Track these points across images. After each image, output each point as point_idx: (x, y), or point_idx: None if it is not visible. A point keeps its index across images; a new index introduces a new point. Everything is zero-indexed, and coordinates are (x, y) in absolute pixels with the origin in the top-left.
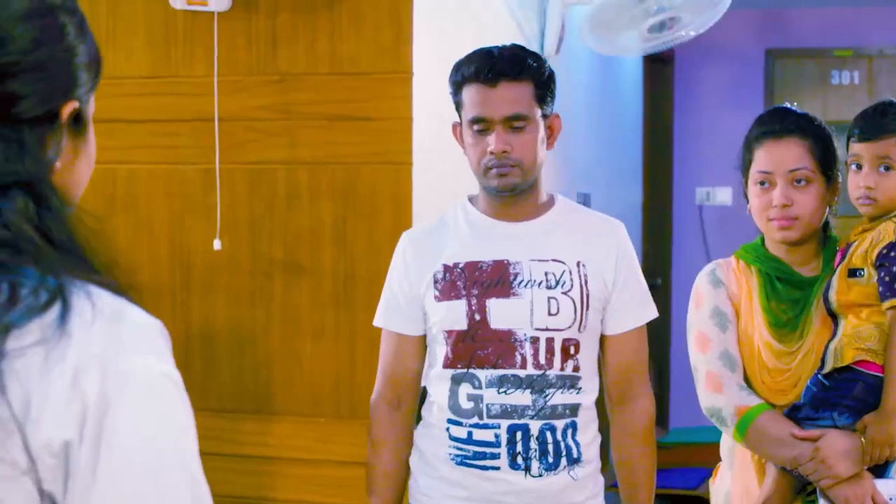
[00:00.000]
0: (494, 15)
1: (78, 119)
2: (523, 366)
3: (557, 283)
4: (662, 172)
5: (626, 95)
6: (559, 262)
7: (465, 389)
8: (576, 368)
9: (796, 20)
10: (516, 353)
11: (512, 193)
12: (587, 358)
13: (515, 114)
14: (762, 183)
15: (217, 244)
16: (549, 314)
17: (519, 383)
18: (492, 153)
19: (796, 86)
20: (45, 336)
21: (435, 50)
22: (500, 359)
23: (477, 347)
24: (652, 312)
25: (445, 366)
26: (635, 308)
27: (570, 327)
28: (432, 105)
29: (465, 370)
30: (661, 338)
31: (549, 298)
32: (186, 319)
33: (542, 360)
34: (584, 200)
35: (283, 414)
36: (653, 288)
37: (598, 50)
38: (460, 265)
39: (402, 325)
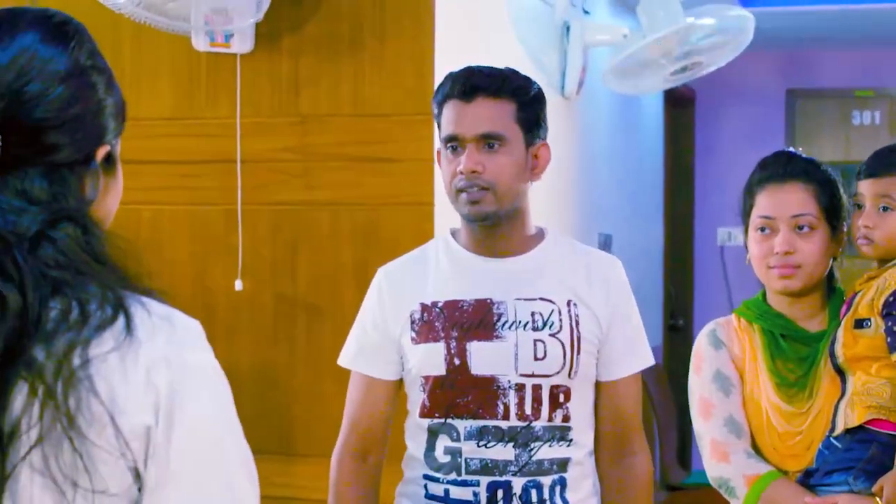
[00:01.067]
0: (516, 57)
1: (109, 159)
2: (506, 416)
3: (545, 324)
4: (684, 213)
5: (647, 136)
6: (548, 301)
7: (442, 442)
8: (566, 418)
9: (817, 61)
10: (498, 402)
11: (488, 224)
12: (580, 407)
13: (488, 132)
14: (763, 229)
15: (238, 285)
16: (536, 358)
17: (501, 436)
18: (461, 172)
19: (817, 126)
20: (118, 343)
21: None
22: (480, 408)
23: (456, 395)
24: (648, 359)
25: (422, 415)
26: (632, 352)
27: (558, 373)
28: None
29: (442, 420)
30: (683, 377)
31: (535, 341)
32: None
33: (528, 409)
34: (606, 241)
35: (307, 455)
36: (675, 329)
37: (619, 90)
38: (439, 304)
39: (373, 367)
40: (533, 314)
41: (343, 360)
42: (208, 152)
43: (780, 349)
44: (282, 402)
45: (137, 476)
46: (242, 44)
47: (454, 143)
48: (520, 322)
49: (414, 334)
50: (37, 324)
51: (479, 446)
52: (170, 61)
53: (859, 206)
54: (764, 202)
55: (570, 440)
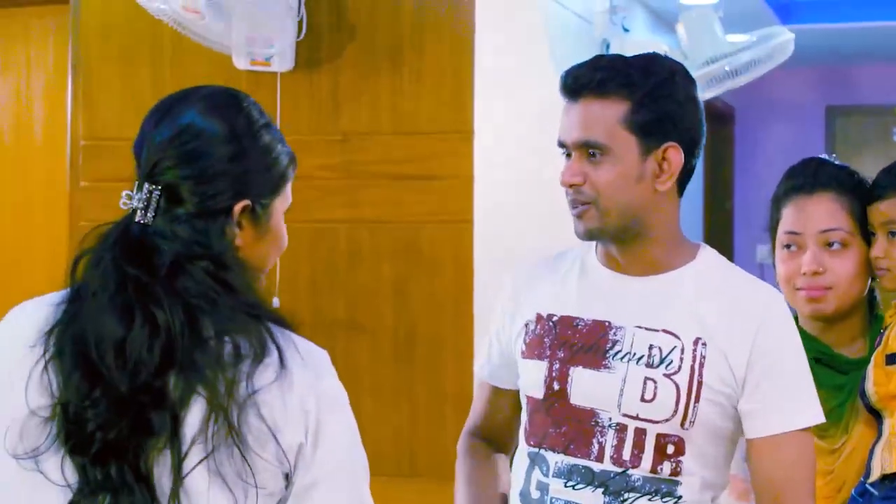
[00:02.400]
0: (555, 73)
1: (254, 212)
2: (599, 458)
3: (662, 361)
4: (723, 230)
5: None
6: (671, 334)
7: (535, 475)
8: (675, 472)
9: (857, 77)
10: (593, 441)
11: (602, 241)
12: (697, 463)
13: (585, 140)
14: (788, 246)
15: (276, 302)
16: (643, 399)
17: (590, 479)
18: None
19: (857, 143)
20: (277, 376)
21: (496, 108)
22: (572, 443)
23: (550, 424)
24: (810, 417)
25: (525, 439)
26: (782, 407)
27: (667, 420)
28: (494, 163)
29: (537, 449)
30: None
31: (646, 379)
32: None
33: (626, 454)
34: None
35: None
36: None
37: None
38: (555, 318)
39: (494, 374)
40: (651, 347)
41: (476, 365)
42: None
43: (815, 376)
44: None
45: (287, 479)
46: (283, 62)
47: (563, 149)
48: (634, 354)
49: (524, 347)
50: (187, 343)
51: (566, 486)
52: (210, 79)
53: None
54: (790, 216)
55: (679, 498)
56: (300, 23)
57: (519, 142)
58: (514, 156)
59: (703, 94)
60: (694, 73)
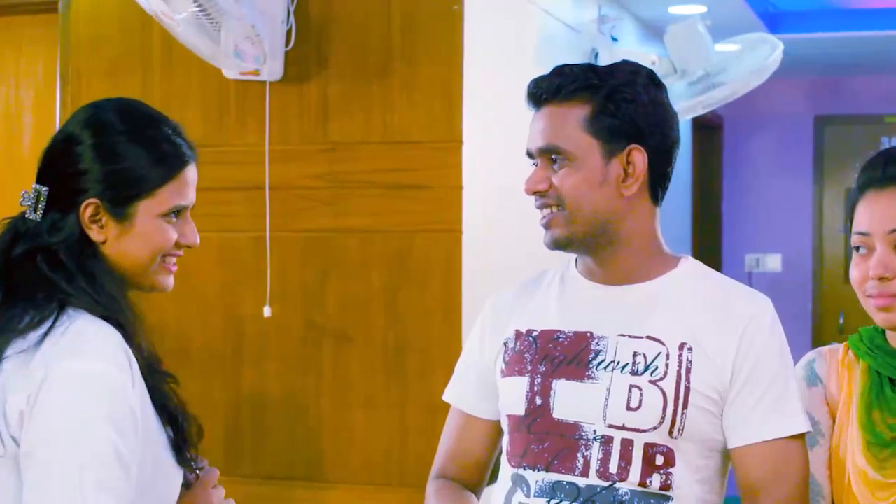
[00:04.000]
0: None
1: (112, 212)
2: (584, 472)
3: (647, 368)
4: (712, 239)
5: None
6: (656, 340)
7: (516, 498)
8: (665, 486)
9: (846, 87)
10: (578, 455)
11: (571, 250)
12: (689, 475)
13: (547, 146)
14: (858, 248)
15: (267, 311)
16: (629, 408)
17: (575, 495)
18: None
19: (846, 152)
20: (29, 347)
21: (485, 119)
22: (556, 459)
23: (532, 441)
24: (792, 425)
25: (507, 461)
26: (768, 414)
27: (654, 428)
28: (483, 173)
29: (517, 470)
30: None
31: (630, 387)
32: (238, 386)
33: (613, 467)
34: None
35: (335, 482)
36: None
37: None
38: (534, 333)
39: (470, 402)
40: (635, 355)
41: (444, 394)
42: (237, 179)
43: (883, 397)
44: (310, 429)
45: (15, 442)
46: (272, 71)
47: (531, 159)
48: (618, 363)
49: (504, 365)
50: None
51: None
52: (200, 88)
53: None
54: (861, 215)
55: None
56: (289, 32)
57: (508, 152)
58: (504, 166)
59: (697, 112)
60: (688, 99)
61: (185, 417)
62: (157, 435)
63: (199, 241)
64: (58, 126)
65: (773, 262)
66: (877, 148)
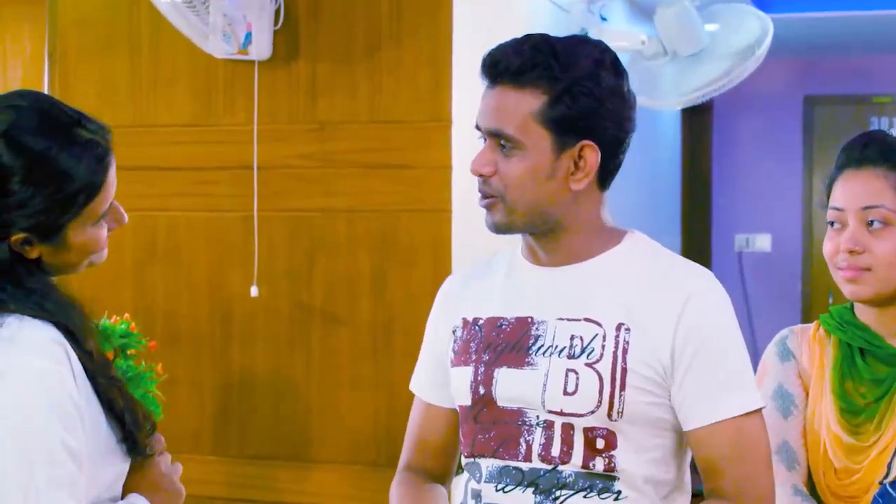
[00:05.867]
0: None
1: (49, 238)
2: (527, 457)
3: (583, 350)
4: (701, 219)
5: (664, 143)
6: (592, 322)
7: (470, 485)
8: (609, 468)
9: (834, 67)
10: (521, 440)
11: (511, 233)
12: (634, 457)
13: (497, 129)
14: (832, 223)
15: (254, 291)
16: (566, 392)
17: (520, 479)
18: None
19: (835, 133)
20: None
21: (474, 98)
22: (501, 446)
23: (479, 430)
24: (746, 402)
25: (461, 450)
26: (719, 393)
27: (592, 412)
28: (472, 153)
29: (472, 459)
30: None
31: (567, 371)
32: (226, 366)
33: (555, 451)
34: None
35: (321, 461)
36: None
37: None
38: (480, 321)
39: (428, 391)
40: (572, 338)
41: (411, 382)
42: (225, 159)
43: (855, 368)
44: (297, 409)
45: None
46: (260, 51)
47: (479, 132)
48: (556, 347)
49: (453, 355)
50: None
51: (496, 490)
52: (188, 68)
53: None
54: (837, 191)
55: (618, 494)
56: (277, 12)
57: None
58: None
59: (686, 103)
60: (684, 94)
61: (133, 418)
62: (103, 428)
63: (127, 219)
64: None
65: (763, 242)
66: (866, 128)
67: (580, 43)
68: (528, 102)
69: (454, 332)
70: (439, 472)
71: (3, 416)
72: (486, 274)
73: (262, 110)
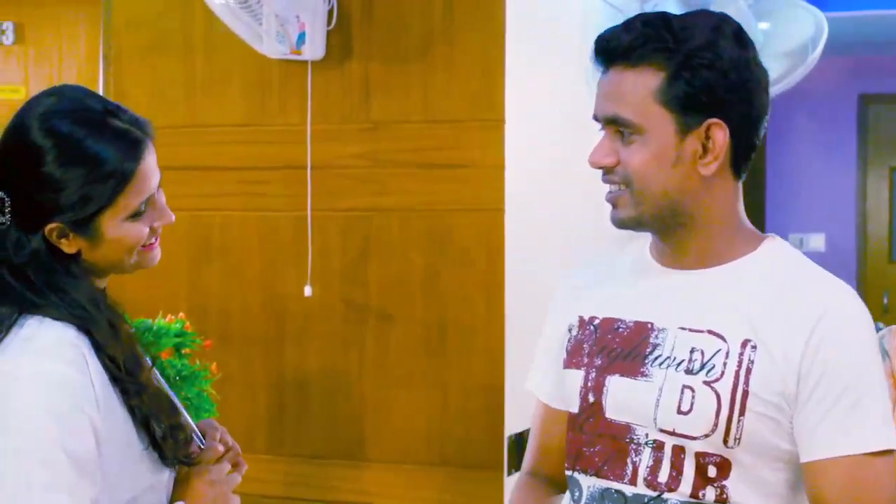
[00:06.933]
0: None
1: (76, 230)
2: (632, 480)
3: (703, 367)
4: (755, 219)
5: None
6: (716, 335)
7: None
8: (721, 499)
9: (889, 65)
10: (627, 461)
11: (638, 230)
12: (749, 489)
13: (615, 116)
14: None
15: (308, 290)
16: (680, 411)
17: None
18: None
19: (890, 131)
20: None
21: (526, 97)
22: (605, 464)
23: (584, 442)
24: (871, 439)
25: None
26: (841, 425)
27: (706, 436)
28: (524, 151)
29: (571, 473)
30: None
31: (683, 387)
32: (279, 366)
33: (663, 476)
34: None
35: (375, 461)
36: None
37: None
38: (596, 321)
39: (547, 391)
40: (692, 351)
41: (527, 380)
42: (279, 159)
43: None
44: (351, 408)
45: None
46: (314, 51)
47: (597, 123)
48: (674, 359)
49: (566, 355)
50: None
51: None
52: (241, 68)
53: None
54: None
55: None
56: (331, 12)
57: (550, 130)
58: (546, 144)
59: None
60: None
61: (161, 426)
62: (124, 434)
63: (173, 218)
64: None
65: (817, 242)
66: None
67: (697, 14)
68: (644, 82)
69: (569, 329)
70: (563, 477)
71: (7, 417)
72: (609, 270)
73: (315, 110)
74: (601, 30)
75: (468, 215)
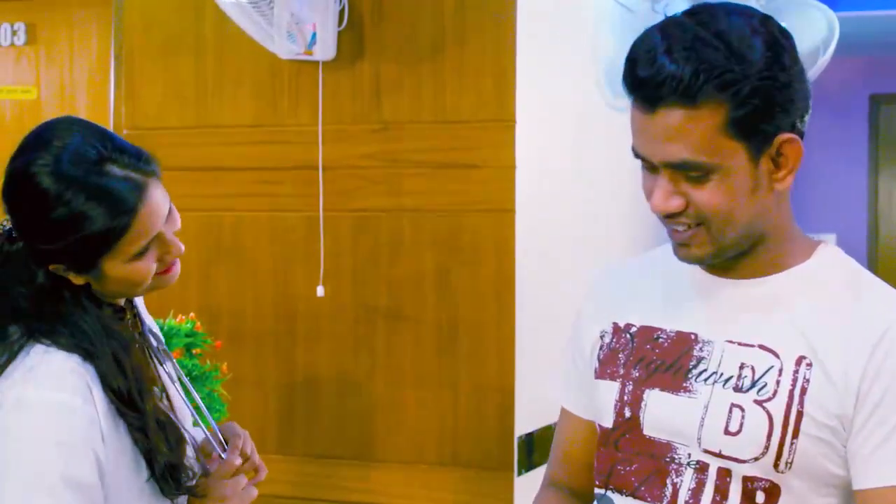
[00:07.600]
0: (597, 62)
1: (85, 271)
2: (672, 503)
3: (753, 384)
4: None
5: None
6: (768, 351)
7: None
8: None
9: None
10: (667, 482)
11: (713, 262)
12: None
13: (682, 161)
14: None
15: (320, 290)
16: (727, 431)
17: None
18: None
19: None
20: None
21: (538, 97)
22: (643, 484)
23: (619, 459)
24: None
25: (594, 475)
26: (893, 450)
27: (756, 459)
28: (536, 152)
29: (603, 491)
30: None
31: (732, 406)
32: (290, 366)
33: (706, 500)
34: None
35: (386, 461)
36: None
37: None
38: (633, 329)
39: (573, 399)
40: (741, 367)
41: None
42: (290, 159)
43: None
44: (361, 409)
45: None
46: (325, 51)
47: (643, 161)
48: (721, 375)
49: (598, 364)
50: None
51: None
52: (252, 68)
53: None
54: None
55: None
56: (342, 12)
57: (562, 130)
58: (557, 144)
59: None
60: None
61: (161, 459)
62: (127, 463)
63: (183, 249)
64: (112, 107)
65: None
66: None
67: (736, 24)
68: (708, 119)
69: (602, 336)
70: (586, 490)
71: (9, 446)
72: (646, 271)
73: (326, 111)
74: (615, 31)
75: (479, 216)
